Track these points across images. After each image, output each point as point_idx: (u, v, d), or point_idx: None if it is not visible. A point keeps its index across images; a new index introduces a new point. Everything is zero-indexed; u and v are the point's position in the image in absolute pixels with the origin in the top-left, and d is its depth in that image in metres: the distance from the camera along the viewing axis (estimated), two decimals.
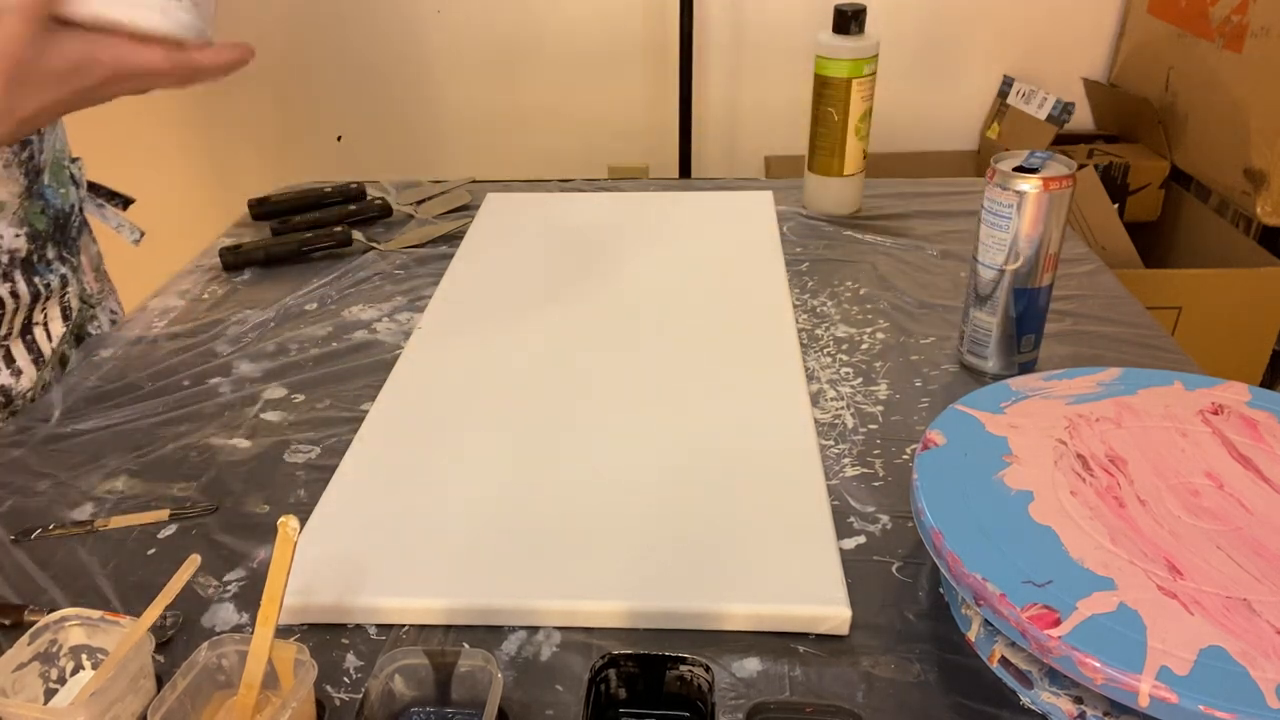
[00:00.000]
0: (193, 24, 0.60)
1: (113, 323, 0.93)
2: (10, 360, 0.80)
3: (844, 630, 0.52)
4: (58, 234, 0.82)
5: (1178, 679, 0.41)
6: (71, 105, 0.60)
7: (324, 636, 0.53)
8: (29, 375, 0.81)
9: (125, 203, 0.93)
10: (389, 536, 0.58)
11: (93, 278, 0.91)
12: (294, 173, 1.52)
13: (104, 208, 0.90)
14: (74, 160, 0.85)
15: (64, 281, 0.83)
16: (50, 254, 0.81)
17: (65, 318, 0.84)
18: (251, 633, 0.46)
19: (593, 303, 0.85)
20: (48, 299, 0.82)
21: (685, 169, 1.94)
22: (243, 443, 0.70)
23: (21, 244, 0.78)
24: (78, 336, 0.87)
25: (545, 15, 1.95)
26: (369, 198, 1.08)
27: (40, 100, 0.58)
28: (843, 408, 0.72)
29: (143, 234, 0.90)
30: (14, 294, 0.78)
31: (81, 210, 0.88)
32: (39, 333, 0.82)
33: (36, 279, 0.80)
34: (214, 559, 0.59)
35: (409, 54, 1.99)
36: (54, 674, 0.49)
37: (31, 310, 0.81)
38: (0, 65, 0.55)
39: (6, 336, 0.79)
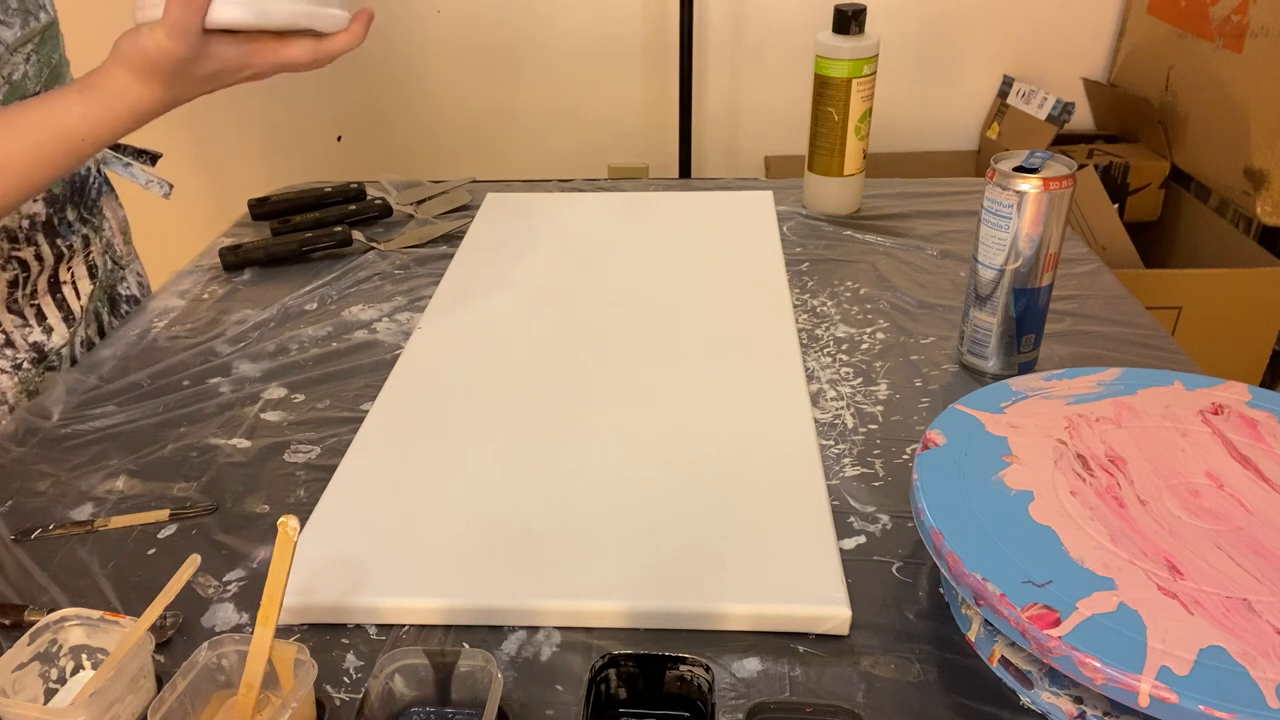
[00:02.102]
0: (344, 16, 0.63)
1: (140, 285, 0.96)
2: (42, 318, 0.83)
3: (844, 630, 0.52)
4: (76, 196, 0.85)
5: (1178, 679, 0.41)
6: (220, 88, 0.66)
7: (324, 636, 0.53)
8: (60, 333, 0.84)
9: (153, 159, 0.94)
10: (389, 536, 0.58)
11: (121, 239, 0.94)
12: (294, 173, 1.52)
13: (130, 166, 0.91)
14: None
15: (86, 242, 0.86)
16: (70, 216, 0.84)
17: (92, 276, 0.87)
18: (251, 633, 0.46)
19: (593, 302, 0.85)
20: (71, 259, 0.85)
21: (685, 169, 1.94)
22: (243, 443, 0.70)
23: (40, 208, 0.80)
24: (111, 298, 0.90)
25: (545, 15, 1.95)
26: (369, 198, 1.08)
27: (196, 94, 0.65)
28: (843, 408, 0.72)
29: (172, 187, 0.92)
30: (38, 256, 0.81)
31: (100, 172, 0.90)
32: (67, 291, 0.85)
33: (59, 240, 0.83)
34: (214, 559, 0.59)
35: (409, 54, 1.99)
36: (54, 674, 0.49)
37: (57, 269, 0.84)
38: (156, 74, 0.60)
39: (34, 295, 0.82)
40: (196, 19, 0.58)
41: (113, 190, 0.94)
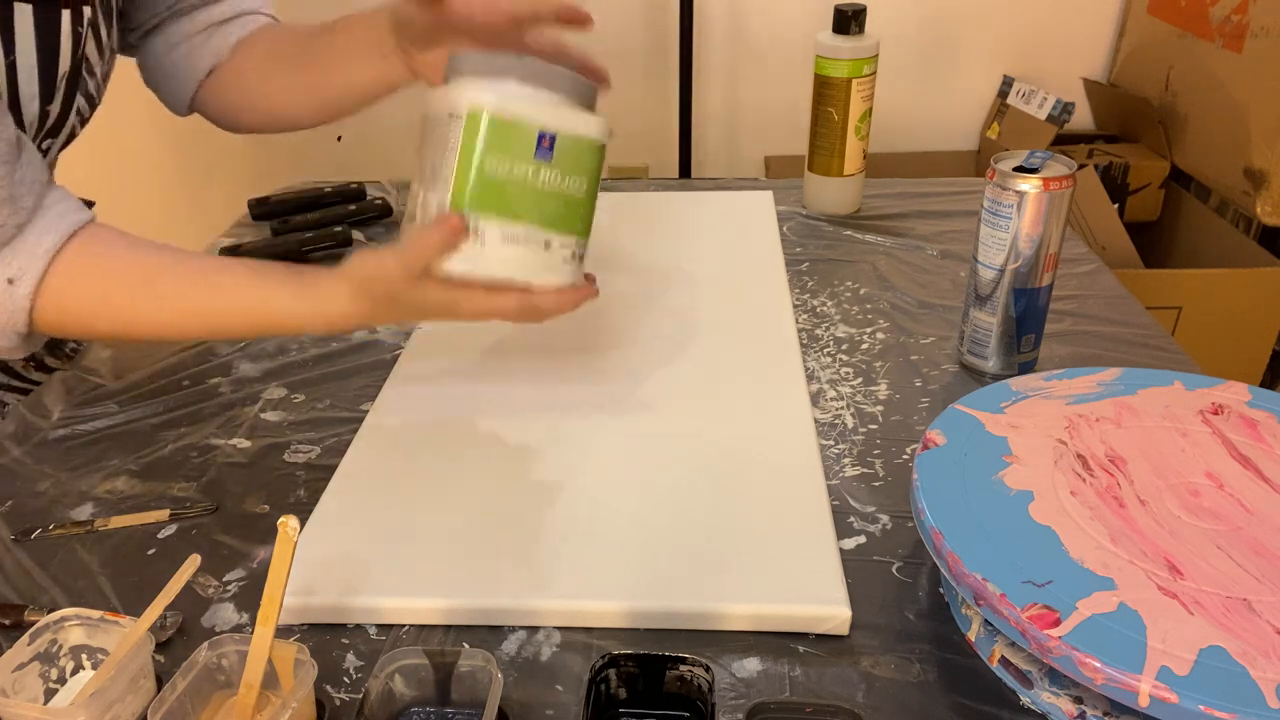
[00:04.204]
0: (561, 283, 0.62)
1: None
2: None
3: (844, 630, 0.52)
4: None
5: (1178, 679, 0.41)
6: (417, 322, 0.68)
7: (324, 636, 0.53)
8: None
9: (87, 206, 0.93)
10: (389, 536, 0.58)
11: None
12: (294, 173, 1.51)
13: None
14: None
15: None
16: None
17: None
18: (251, 633, 0.46)
19: (592, 302, 0.85)
20: None
21: (685, 169, 1.94)
22: (243, 443, 0.70)
23: None
24: (54, 340, 0.87)
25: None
26: (369, 198, 1.08)
27: (393, 321, 0.68)
28: (843, 408, 0.72)
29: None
30: None
31: None
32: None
33: None
34: (214, 559, 0.59)
35: None
36: (54, 674, 0.49)
37: None
38: (372, 295, 0.60)
39: None
40: (432, 258, 0.58)
41: None
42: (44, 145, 0.71)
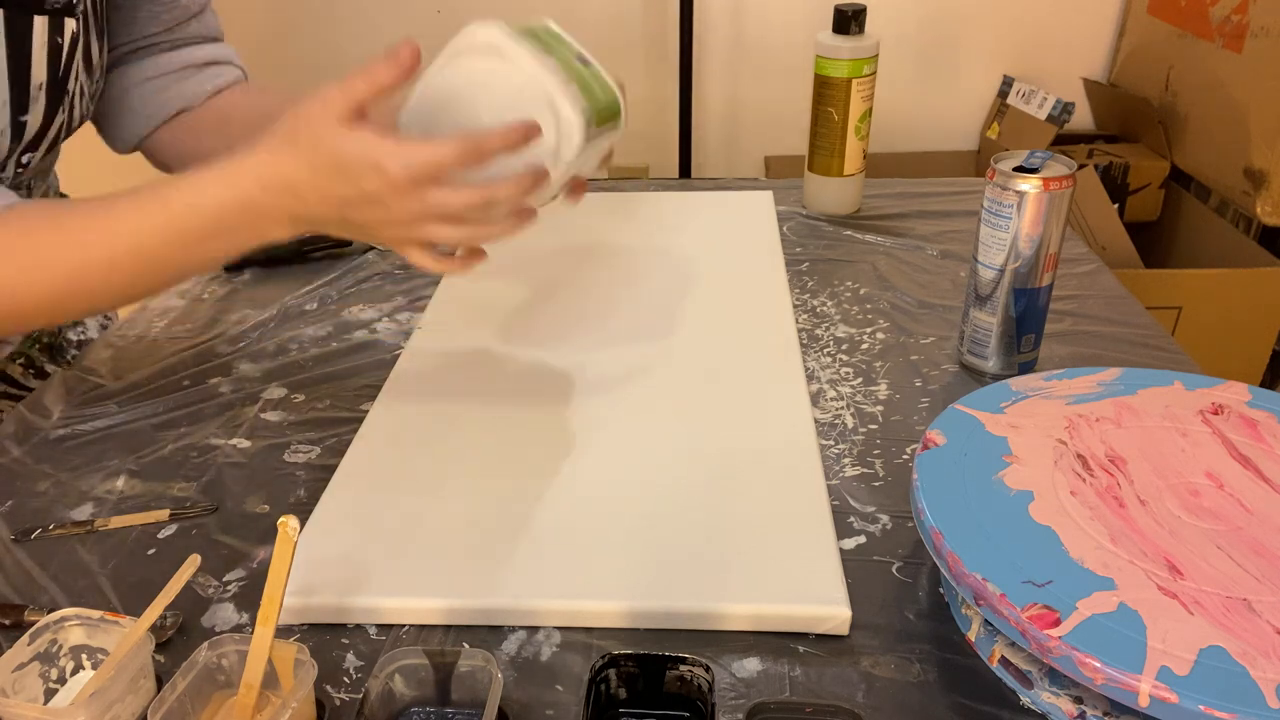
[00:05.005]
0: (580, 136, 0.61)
1: (103, 327, 0.93)
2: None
3: (844, 630, 0.52)
4: None
5: (1178, 679, 0.41)
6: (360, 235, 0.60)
7: (324, 636, 0.53)
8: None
9: None
10: (389, 536, 0.58)
11: None
12: None
13: None
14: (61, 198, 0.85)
15: None
16: None
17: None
18: (251, 633, 0.46)
19: (592, 303, 0.85)
20: None
21: (685, 169, 1.94)
22: (243, 443, 0.70)
23: None
24: (52, 346, 0.87)
25: (545, 16, 1.95)
26: None
27: (326, 195, 0.57)
28: (843, 408, 0.72)
29: None
30: None
31: None
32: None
33: None
34: (214, 559, 0.59)
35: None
36: (54, 674, 0.49)
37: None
38: (295, 150, 0.55)
39: None
40: (370, 92, 0.53)
41: None
42: (24, 159, 0.70)
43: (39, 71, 0.66)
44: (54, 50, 0.66)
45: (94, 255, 0.59)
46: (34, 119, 0.68)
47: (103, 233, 0.59)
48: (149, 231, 0.58)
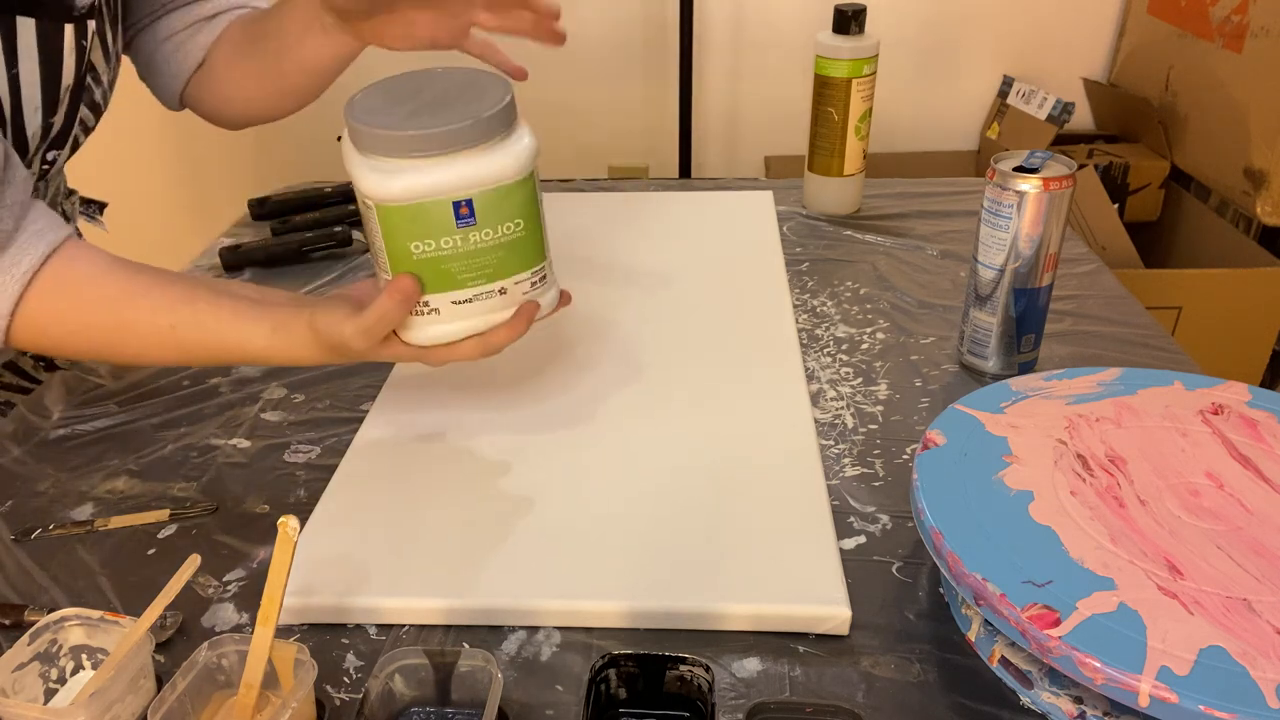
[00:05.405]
0: (544, 294, 0.62)
1: None
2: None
3: (844, 630, 0.52)
4: None
5: (1178, 679, 0.41)
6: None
7: (324, 636, 0.53)
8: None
9: (100, 208, 0.93)
10: (389, 536, 0.58)
11: None
12: (294, 173, 1.51)
13: (96, 219, 0.90)
14: (69, 195, 0.86)
15: None
16: None
17: None
18: (251, 633, 0.46)
19: (593, 303, 0.85)
20: None
21: (685, 169, 1.94)
22: (243, 443, 0.70)
23: None
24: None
25: None
26: None
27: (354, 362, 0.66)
28: (843, 408, 0.72)
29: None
30: None
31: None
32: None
33: None
34: (214, 559, 0.59)
35: (409, 54, 1.99)
36: (54, 674, 0.49)
37: None
38: (334, 354, 0.61)
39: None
40: (388, 327, 0.58)
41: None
42: (49, 156, 0.71)
43: (67, 76, 0.67)
44: (79, 53, 0.67)
45: (131, 344, 0.62)
46: (59, 120, 0.69)
47: (150, 330, 0.61)
48: (188, 347, 0.62)
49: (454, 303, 0.58)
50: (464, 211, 0.55)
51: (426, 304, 0.58)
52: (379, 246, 0.57)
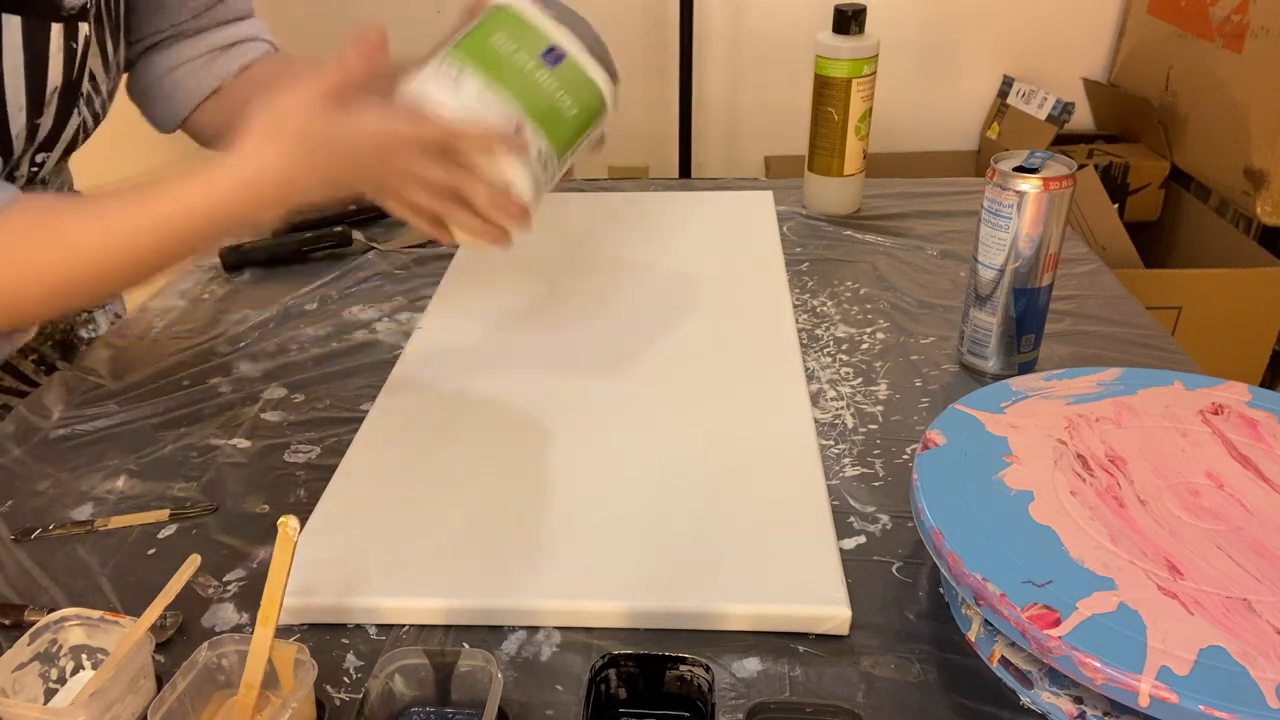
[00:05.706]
0: (533, 178, 0.63)
1: (113, 325, 0.93)
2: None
3: (844, 630, 0.52)
4: None
5: (1178, 679, 0.41)
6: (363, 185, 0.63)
7: (324, 636, 0.53)
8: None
9: None
10: (389, 536, 0.58)
11: None
12: None
13: None
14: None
15: None
16: None
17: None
18: (251, 633, 0.46)
19: (592, 303, 0.85)
20: None
21: (685, 169, 1.94)
22: (243, 443, 0.70)
23: None
24: (64, 343, 0.88)
25: None
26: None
27: (320, 172, 0.59)
28: (843, 408, 0.72)
29: None
30: None
31: None
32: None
33: None
34: (214, 559, 0.59)
35: (409, 54, 1.99)
36: (54, 674, 0.49)
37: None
38: (286, 142, 0.57)
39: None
40: (345, 78, 0.56)
41: None
42: (38, 158, 0.71)
43: (54, 76, 0.67)
44: (69, 55, 0.67)
45: (89, 257, 0.61)
46: (46, 121, 0.68)
47: (97, 234, 0.60)
48: (144, 231, 0.60)
49: (482, 89, 0.59)
50: (553, 55, 0.61)
51: (460, 72, 0.59)
52: (462, 29, 0.61)
